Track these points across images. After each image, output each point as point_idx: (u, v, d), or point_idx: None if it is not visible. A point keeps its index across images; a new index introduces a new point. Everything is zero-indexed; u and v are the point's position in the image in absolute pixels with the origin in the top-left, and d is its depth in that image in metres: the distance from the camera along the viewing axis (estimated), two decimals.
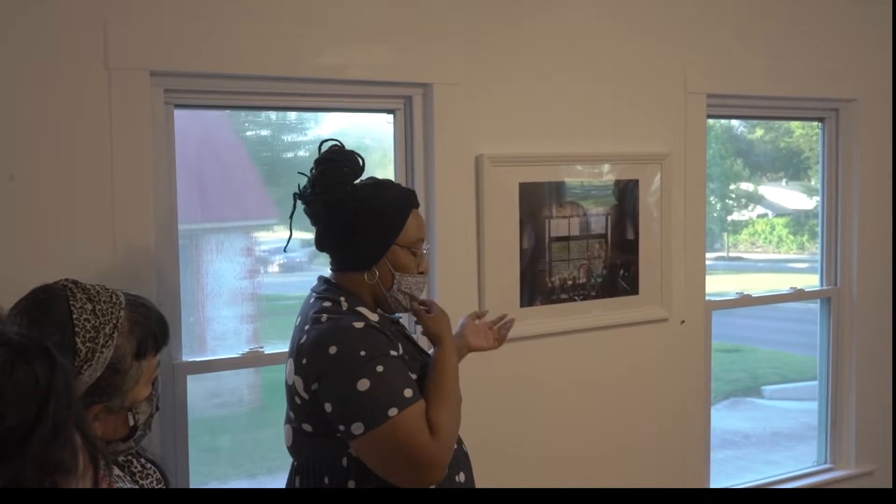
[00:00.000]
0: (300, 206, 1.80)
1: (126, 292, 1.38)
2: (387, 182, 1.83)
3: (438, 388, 1.73)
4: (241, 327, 2.43)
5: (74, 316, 1.27)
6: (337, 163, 1.76)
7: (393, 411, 1.59)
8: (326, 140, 1.81)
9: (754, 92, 3.08)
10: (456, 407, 1.74)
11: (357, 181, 1.79)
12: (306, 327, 1.71)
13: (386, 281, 1.79)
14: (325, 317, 1.70)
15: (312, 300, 1.79)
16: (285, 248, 1.87)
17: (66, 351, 1.22)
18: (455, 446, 1.74)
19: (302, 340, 1.69)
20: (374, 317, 1.74)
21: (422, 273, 1.83)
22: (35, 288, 1.33)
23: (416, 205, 1.85)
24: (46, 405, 0.73)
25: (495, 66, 2.56)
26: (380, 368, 1.61)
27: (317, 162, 1.77)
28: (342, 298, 1.75)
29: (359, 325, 1.67)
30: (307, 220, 1.82)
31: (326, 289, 1.80)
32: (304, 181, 1.79)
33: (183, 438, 2.21)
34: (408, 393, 1.62)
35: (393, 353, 1.67)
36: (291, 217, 1.79)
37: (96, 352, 1.26)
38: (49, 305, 1.28)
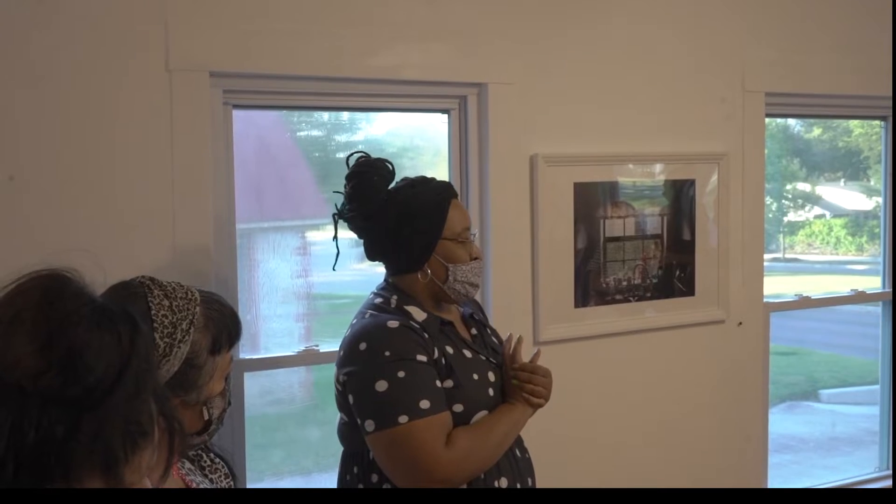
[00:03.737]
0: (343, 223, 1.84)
1: (199, 289, 1.41)
2: (421, 179, 1.85)
3: (486, 422, 1.73)
4: (294, 325, 2.45)
5: (153, 312, 1.29)
6: (367, 174, 1.79)
7: (403, 419, 1.61)
8: (353, 153, 1.84)
9: (815, 90, 3.00)
10: (492, 447, 1.72)
11: (391, 186, 1.82)
12: (353, 321, 1.79)
13: (440, 275, 1.80)
14: (369, 313, 1.77)
15: (370, 296, 1.85)
16: (334, 266, 1.89)
17: None
18: (473, 472, 1.69)
19: (346, 334, 1.77)
20: (420, 316, 1.76)
21: (476, 259, 1.85)
22: (114, 284, 1.36)
23: (454, 195, 1.86)
24: (129, 363, 0.75)
25: (550, 65, 2.54)
26: (401, 374, 1.64)
27: (348, 178, 1.81)
28: (394, 297, 1.79)
29: (393, 324, 1.70)
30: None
31: (384, 287, 1.85)
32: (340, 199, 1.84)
33: (240, 435, 2.23)
34: (424, 404, 1.63)
35: (421, 357, 1.67)
36: (336, 238, 1.84)
37: (174, 347, 1.28)
38: (128, 302, 1.31)
